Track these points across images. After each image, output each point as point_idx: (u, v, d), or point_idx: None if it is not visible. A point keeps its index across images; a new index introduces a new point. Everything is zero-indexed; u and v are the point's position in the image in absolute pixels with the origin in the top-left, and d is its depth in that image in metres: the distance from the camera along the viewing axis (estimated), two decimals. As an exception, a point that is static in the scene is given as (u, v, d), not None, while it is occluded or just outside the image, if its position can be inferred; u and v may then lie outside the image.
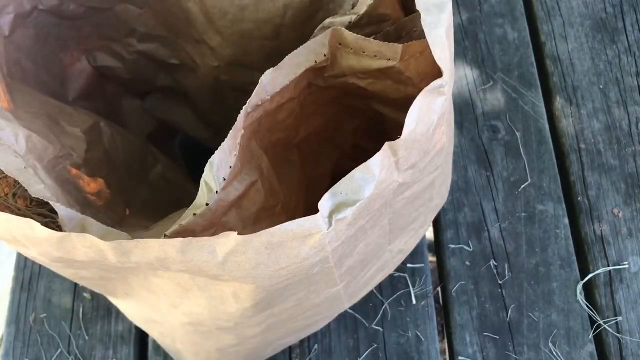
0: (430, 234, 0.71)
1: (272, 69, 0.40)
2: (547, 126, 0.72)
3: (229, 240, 0.30)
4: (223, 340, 0.46)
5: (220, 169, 0.36)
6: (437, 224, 0.68)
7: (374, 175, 0.32)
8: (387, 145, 0.33)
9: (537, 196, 0.68)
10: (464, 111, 0.73)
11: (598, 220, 0.67)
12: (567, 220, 0.67)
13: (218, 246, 0.30)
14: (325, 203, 0.31)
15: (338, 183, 0.32)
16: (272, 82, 0.40)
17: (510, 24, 0.77)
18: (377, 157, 0.32)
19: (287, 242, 0.31)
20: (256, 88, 0.39)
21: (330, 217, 0.32)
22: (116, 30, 0.55)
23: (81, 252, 0.32)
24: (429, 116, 0.34)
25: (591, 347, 0.61)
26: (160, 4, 0.53)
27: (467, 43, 0.76)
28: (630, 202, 0.68)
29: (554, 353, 0.61)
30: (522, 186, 0.69)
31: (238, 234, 0.30)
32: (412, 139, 0.34)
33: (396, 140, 0.33)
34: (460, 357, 0.61)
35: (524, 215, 0.67)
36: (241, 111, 0.38)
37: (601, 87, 0.74)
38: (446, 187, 0.55)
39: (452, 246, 0.66)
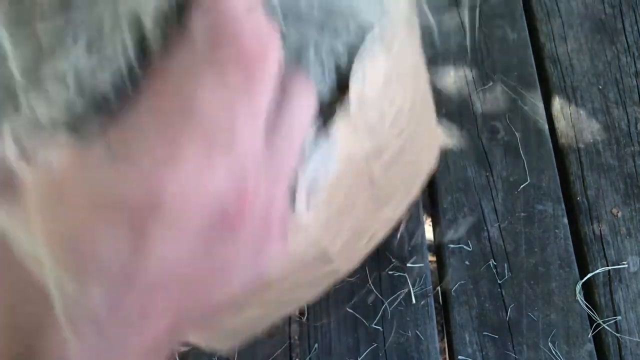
0: (430, 234, 0.71)
1: None
2: (546, 126, 0.72)
3: None
4: None
5: None
6: (436, 224, 0.68)
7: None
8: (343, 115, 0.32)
9: (537, 196, 0.68)
10: (464, 111, 0.73)
11: (597, 220, 0.67)
12: (566, 220, 0.67)
13: None
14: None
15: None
16: None
17: (510, 24, 0.78)
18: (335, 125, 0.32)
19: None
20: None
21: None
22: None
23: None
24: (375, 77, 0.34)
25: (590, 346, 0.62)
26: None
27: (467, 43, 0.77)
28: (629, 201, 0.68)
29: (553, 352, 0.61)
30: (522, 186, 0.69)
31: None
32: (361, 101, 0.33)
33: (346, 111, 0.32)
34: (459, 357, 0.62)
35: (523, 215, 0.67)
36: None
37: (600, 87, 0.74)
38: (430, 151, 0.54)
39: (452, 246, 0.66)
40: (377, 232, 0.50)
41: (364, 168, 0.38)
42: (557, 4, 0.79)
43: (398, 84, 0.37)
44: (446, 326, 0.64)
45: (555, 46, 0.76)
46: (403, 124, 0.40)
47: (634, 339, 0.62)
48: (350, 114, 0.32)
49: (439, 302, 0.67)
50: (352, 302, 0.63)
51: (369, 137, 0.35)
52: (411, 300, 0.64)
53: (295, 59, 0.28)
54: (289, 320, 0.63)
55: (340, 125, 0.32)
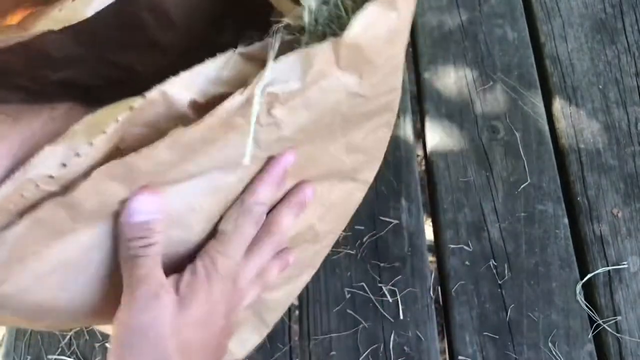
0: (430, 234, 0.71)
1: None
2: (546, 126, 0.72)
3: None
4: None
5: None
6: (436, 224, 0.68)
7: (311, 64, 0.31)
8: (330, 41, 0.31)
9: (537, 196, 0.68)
10: (464, 111, 0.73)
11: (597, 220, 0.67)
12: (566, 220, 0.67)
13: None
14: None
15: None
16: None
17: (510, 24, 0.78)
18: (317, 47, 0.31)
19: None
20: None
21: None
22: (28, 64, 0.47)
23: None
24: (379, 28, 0.33)
25: (590, 347, 0.62)
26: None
27: (467, 43, 0.77)
28: (630, 202, 0.68)
29: (554, 352, 0.61)
30: (522, 186, 0.69)
31: None
32: (356, 44, 0.32)
33: (337, 39, 0.31)
34: (460, 357, 0.61)
35: (523, 215, 0.67)
36: None
37: (600, 87, 0.74)
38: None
39: (452, 246, 0.66)
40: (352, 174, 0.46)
41: (346, 111, 0.36)
42: (557, 3, 0.79)
43: (400, 43, 0.35)
44: (446, 326, 0.64)
45: (556, 46, 0.76)
46: (395, 83, 0.39)
47: (634, 339, 0.62)
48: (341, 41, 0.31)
49: (439, 303, 0.67)
50: (352, 303, 0.63)
51: (352, 76, 0.34)
52: (411, 301, 0.64)
53: None
54: (288, 321, 0.63)
55: (325, 49, 0.31)
